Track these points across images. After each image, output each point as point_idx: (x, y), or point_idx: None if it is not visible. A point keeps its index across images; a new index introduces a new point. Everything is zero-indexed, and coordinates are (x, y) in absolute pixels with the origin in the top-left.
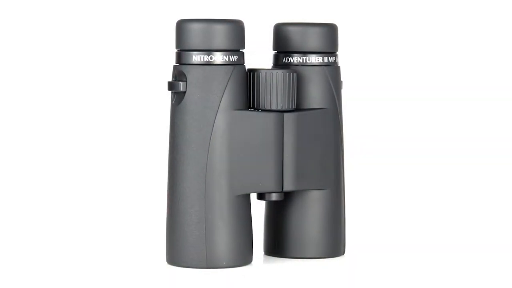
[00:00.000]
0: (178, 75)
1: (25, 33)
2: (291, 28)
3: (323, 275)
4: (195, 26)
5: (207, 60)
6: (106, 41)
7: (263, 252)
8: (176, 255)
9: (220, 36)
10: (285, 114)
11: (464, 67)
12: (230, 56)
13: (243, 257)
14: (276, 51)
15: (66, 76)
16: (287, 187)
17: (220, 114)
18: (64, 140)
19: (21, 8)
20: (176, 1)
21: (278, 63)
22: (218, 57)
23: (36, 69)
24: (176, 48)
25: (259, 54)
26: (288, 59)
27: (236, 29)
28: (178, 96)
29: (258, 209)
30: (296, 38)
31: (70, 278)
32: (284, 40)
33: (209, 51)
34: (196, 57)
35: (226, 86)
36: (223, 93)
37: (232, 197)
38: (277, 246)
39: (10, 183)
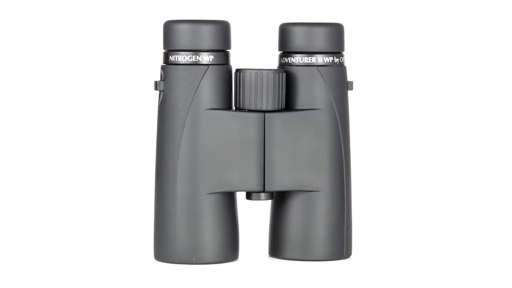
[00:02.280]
0: (162, 74)
1: (14, 33)
2: (292, 28)
3: (301, 277)
4: (173, 26)
5: (181, 60)
6: (100, 40)
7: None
8: (157, 250)
9: (194, 37)
10: (267, 114)
11: (474, 67)
12: (203, 56)
13: (219, 254)
14: (280, 51)
15: (57, 75)
16: (269, 187)
17: (191, 113)
18: (55, 138)
19: (11, 8)
20: (183, 2)
21: (279, 63)
22: (191, 58)
23: (26, 69)
24: (163, 48)
25: (264, 55)
26: (284, 59)
27: (213, 30)
28: (160, 95)
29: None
30: (293, 38)
31: (62, 274)
32: (285, 40)
33: (182, 51)
34: (172, 57)
35: (198, 86)
36: (194, 93)
37: (203, 195)
38: (274, 247)
39: None
